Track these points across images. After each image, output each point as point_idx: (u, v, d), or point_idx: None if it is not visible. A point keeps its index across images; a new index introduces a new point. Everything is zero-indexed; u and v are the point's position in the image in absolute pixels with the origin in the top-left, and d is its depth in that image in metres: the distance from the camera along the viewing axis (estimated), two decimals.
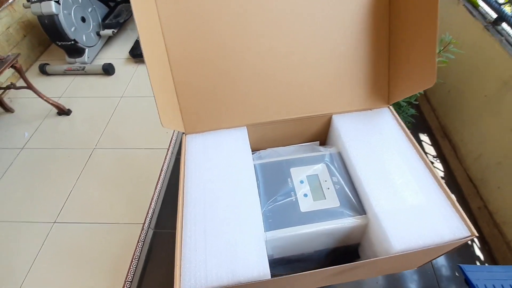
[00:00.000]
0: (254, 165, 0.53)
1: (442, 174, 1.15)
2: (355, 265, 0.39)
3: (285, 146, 0.61)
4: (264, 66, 0.52)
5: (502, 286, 0.64)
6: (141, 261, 0.95)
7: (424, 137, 1.27)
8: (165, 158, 1.21)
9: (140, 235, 0.99)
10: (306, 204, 0.47)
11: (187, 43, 0.49)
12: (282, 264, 0.51)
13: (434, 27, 0.42)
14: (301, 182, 0.50)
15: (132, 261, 0.93)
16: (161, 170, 1.16)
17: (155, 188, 1.12)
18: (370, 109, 0.57)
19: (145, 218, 1.04)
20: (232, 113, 0.54)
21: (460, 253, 0.94)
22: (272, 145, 0.60)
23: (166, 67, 0.49)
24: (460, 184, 1.10)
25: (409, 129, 1.07)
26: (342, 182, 0.50)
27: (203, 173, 0.48)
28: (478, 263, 0.91)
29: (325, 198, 0.48)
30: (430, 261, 0.49)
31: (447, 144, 1.22)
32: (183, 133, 0.53)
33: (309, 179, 0.51)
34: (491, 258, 0.97)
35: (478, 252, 0.94)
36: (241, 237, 0.41)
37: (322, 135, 0.62)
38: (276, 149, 0.58)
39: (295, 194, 0.48)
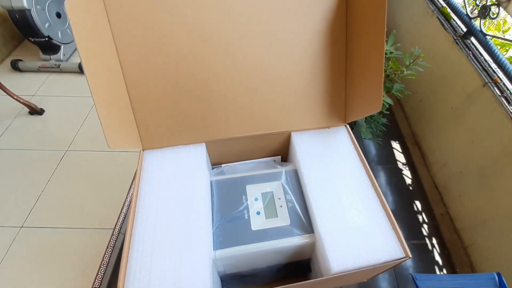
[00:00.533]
0: (211, 181, 0.53)
1: (410, 181, 1.19)
2: (297, 286, 0.41)
3: (246, 160, 0.62)
4: (224, 83, 0.53)
5: None
6: (110, 267, 0.95)
7: (395, 144, 1.31)
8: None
9: (110, 240, 0.98)
10: (257, 222, 0.49)
11: (144, 59, 0.49)
12: (235, 279, 0.53)
13: (380, 62, 0.44)
14: (256, 199, 0.52)
15: (100, 267, 0.92)
16: (135, 174, 1.15)
17: (128, 193, 1.11)
18: (328, 127, 0.59)
19: (116, 223, 1.03)
20: (191, 129, 0.54)
21: (422, 257, 0.98)
22: (233, 159, 0.62)
23: (120, 84, 0.49)
24: (427, 190, 1.15)
25: (380, 137, 1.10)
26: (294, 201, 0.51)
27: (157, 190, 0.48)
28: (436, 268, 0.96)
29: (277, 216, 0.50)
30: (376, 275, 0.52)
31: (417, 151, 1.27)
32: (141, 149, 0.53)
33: (264, 196, 0.52)
34: (449, 263, 1.02)
35: (437, 257, 0.99)
36: (187, 258, 0.42)
37: (284, 150, 0.63)
38: (234, 165, 0.59)
39: (248, 212, 0.50)
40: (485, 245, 0.89)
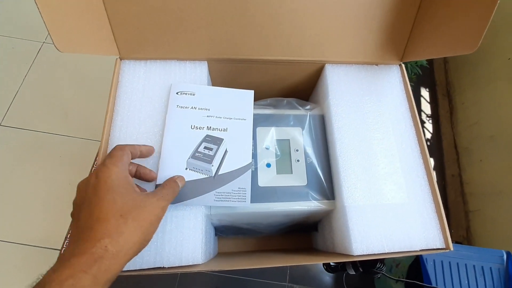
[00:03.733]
0: None
1: (429, 135, 1.09)
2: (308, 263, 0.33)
3: (258, 93, 0.48)
4: None
5: (449, 263, 0.65)
6: None
7: (424, 92, 1.14)
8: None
9: (98, 152, 0.88)
10: (266, 177, 0.39)
11: None
12: (230, 229, 0.46)
13: None
14: (267, 148, 0.40)
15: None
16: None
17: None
18: (376, 64, 0.43)
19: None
20: (190, 39, 0.38)
21: None
22: None
23: None
24: (444, 148, 1.06)
25: (413, 81, 0.93)
26: (315, 156, 0.40)
27: (137, 120, 0.36)
28: None
29: (292, 173, 0.39)
30: None
31: (446, 104, 1.12)
32: (118, 57, 0.39)
33: (278, 145, 0.41)
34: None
35: None
36: (175, 214, 0.33)
37: (308, 88, 0.49)
38: None
39: (256, 163, 0.39)
40: (491, 214, 0.85)
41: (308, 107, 0.44)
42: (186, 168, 0.34)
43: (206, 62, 0.40)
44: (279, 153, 0.40)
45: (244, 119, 0.37)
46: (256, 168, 0.39)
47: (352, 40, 0.41)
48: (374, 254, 0.33)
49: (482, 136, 0.94)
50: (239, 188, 0.34)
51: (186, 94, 0.37)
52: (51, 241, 0.86)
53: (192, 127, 0.36)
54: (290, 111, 0.43)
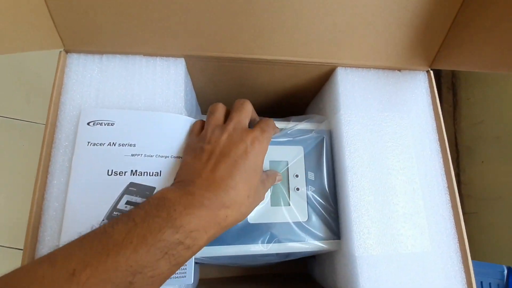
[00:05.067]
0: None
1: None
2: None
3: (248, 98, 0.39)
4: None
5: None
6: None
7: None
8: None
9: None
10: (258, 211, 0.31)
11: None
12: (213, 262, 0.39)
13: None
14: None
15: None
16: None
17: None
18: (399, 70, 0.35)
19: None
20: (162, 29, 0.28)
21: None
22: (232, 98, 0.38)
23: None
24: None
25: None
26: (319, 184, 0.33)
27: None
28: None
29: (289, 205, 0.32)
30: None
31: (450, 98, 1.05)
32: (62, 50, 0.28)
33: (273, 168, 0.33)
34: None
35: None
36: None
37: (309, 94, 0.40)
38: None
39: None
40: (488, 219, 0.82)
41: (313, 119, 0.35)
42: None
43: (183, 59, 0.31)
44: None
45: None
46: None
47: (374, 37, 0.32)
48: None
49: (486, 136, 0.88)
50: None
51: (101, 124, 0.26)
52: (14, 240, 0.78)
53: (110, 173, 0.25)
54: (289, 124, 0.34)
